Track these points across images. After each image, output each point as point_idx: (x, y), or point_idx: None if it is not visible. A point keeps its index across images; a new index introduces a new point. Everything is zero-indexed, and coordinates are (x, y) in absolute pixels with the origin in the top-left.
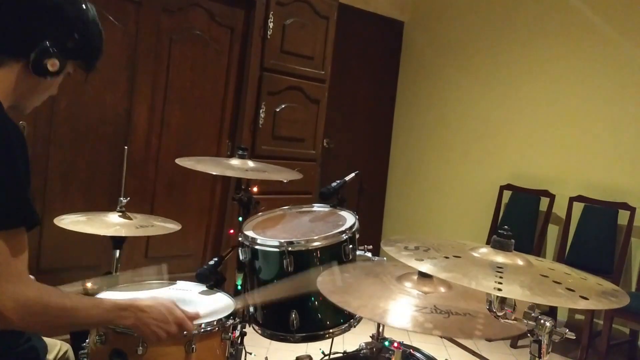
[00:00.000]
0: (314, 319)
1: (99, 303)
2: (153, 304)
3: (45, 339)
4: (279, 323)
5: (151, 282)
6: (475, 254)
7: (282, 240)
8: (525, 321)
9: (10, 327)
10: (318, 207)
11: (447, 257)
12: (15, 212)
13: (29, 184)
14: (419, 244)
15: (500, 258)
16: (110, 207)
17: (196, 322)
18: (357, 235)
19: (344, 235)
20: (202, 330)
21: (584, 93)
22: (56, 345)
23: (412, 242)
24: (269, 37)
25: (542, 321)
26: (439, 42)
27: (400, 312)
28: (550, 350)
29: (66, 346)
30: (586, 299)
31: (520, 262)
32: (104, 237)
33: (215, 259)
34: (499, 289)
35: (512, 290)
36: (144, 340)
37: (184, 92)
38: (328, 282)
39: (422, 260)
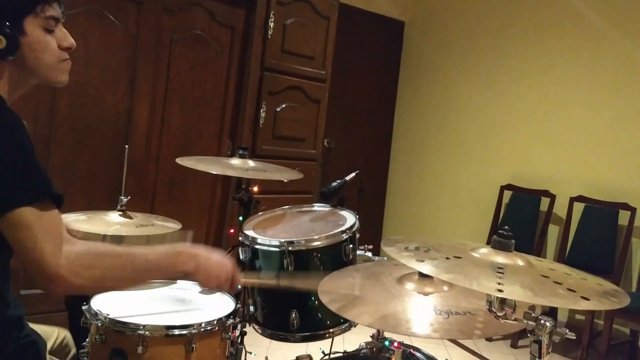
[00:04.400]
0: (314, 318)
1: (151, 248)
2: (199, 250)
3: (41, 326)
4: (279, 323)
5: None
6: (475, 255)
7: (283, 240)
8: (525, 321)
9: (70, 289)
10: (318, 207)
11: (447, 258)
12: (41, 186)
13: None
14: (419, 244)
15: (500, 258)
16: (110, 206)
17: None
18: (358, 235)
19: (344, 235)
20: (202, 329)
21: (585, 93)
22: (54, 333)
23: (412, 242)
24: (269, 36)
25: (542, 321)
26: (439, 42)
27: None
28: (550, 350)
29: (64, 332)
30: (587, 299)
31: (520, 263)
32: (104, 236)
33: None
34: (500, 290)
35: (513, 291)
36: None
37: (184, 92)
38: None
39: (423, 261)
